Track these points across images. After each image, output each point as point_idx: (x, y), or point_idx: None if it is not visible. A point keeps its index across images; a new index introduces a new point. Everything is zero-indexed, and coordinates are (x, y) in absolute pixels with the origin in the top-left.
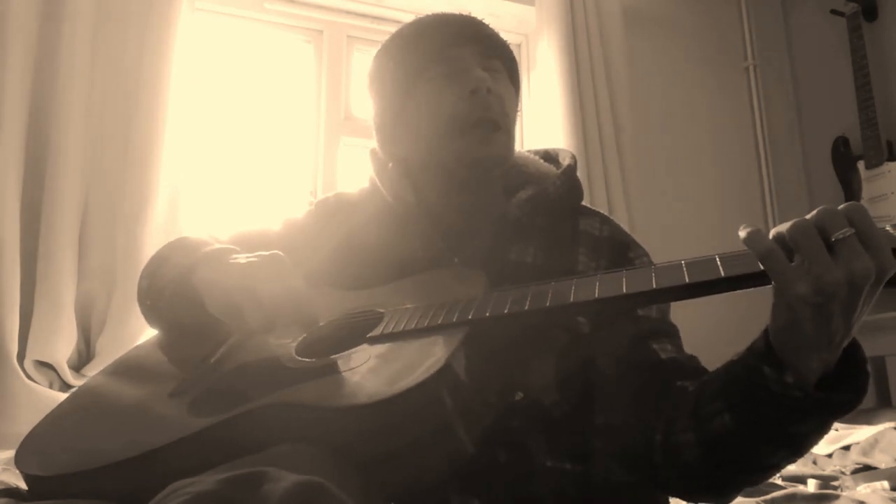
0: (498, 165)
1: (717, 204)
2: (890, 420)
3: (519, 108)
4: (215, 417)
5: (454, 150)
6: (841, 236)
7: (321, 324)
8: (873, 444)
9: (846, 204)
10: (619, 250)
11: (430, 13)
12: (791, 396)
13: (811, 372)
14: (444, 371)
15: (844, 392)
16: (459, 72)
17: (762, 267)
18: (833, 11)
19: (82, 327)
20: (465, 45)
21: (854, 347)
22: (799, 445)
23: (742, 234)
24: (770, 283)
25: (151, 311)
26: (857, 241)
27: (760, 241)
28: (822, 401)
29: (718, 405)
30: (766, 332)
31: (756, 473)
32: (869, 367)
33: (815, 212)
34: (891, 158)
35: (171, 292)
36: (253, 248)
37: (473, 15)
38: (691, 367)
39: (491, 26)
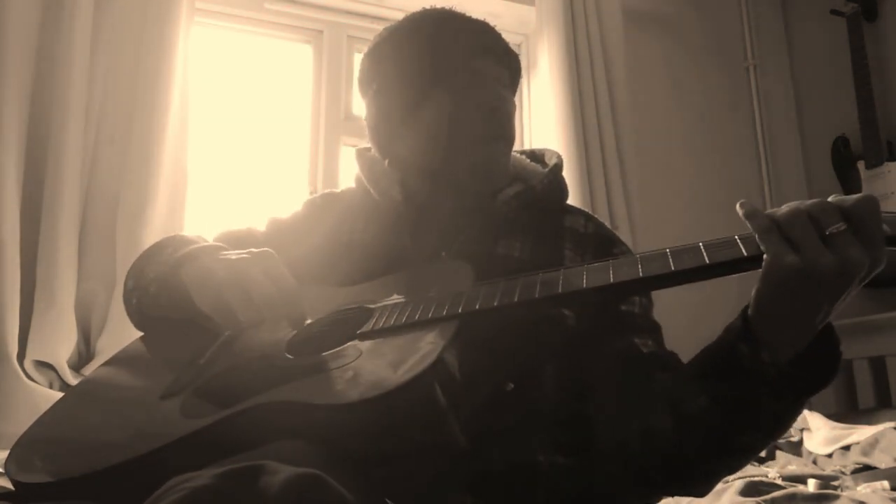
0: (504, 177)
1: (717, 204)
2: (890, 420)
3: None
4: (208, 419)
5: (468, 162)
6: (834, 230)
7: (311, 321)
8: (873, 444)
9: (853, 197)
10: (604, 246)
11: (439, 8)
12: (765, 373)
13: (786, 350)
14: (436, 365)
15: (816, 369)
16: (480, 85)
17: (758, 241)
18: (833, 11)
19: (82, 327)
20: (485, 56)
21: (828, 328)
22: (773, 425)
23: (741, 210)
24: (754, 269)
25: (137, 310)
26: (850, 235)
27: (759, 218)
28: (794, 377)
29: (695, 387)
30: (743, 311)
31: (732, 456)
32: (842, 348)
33: (810, 202)
34: (891, 158)
35: (156, 288)
36: (240, 248)
37: (482, 19)
38: (671, 362)
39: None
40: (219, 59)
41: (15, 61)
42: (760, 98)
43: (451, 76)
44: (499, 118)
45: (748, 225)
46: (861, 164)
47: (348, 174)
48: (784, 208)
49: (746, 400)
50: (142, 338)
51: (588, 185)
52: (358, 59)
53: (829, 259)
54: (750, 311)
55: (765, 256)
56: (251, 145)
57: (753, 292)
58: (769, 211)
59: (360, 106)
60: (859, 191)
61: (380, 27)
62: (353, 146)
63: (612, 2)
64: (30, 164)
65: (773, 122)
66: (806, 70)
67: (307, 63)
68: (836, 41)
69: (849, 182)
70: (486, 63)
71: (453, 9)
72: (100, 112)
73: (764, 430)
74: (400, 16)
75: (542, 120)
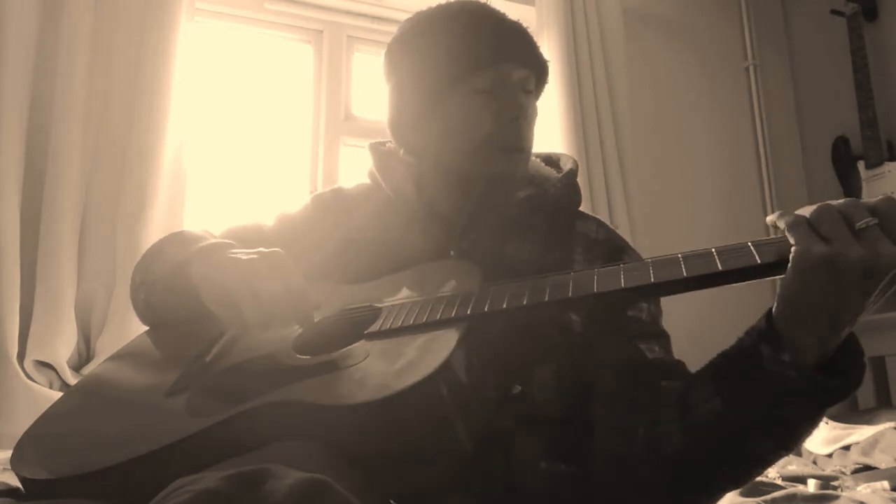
0: (517, 182)
1: (717, 204)
2: (890, 420)
3: None
4: (214, 417)
5: (481, 166)
6: (864, 225)
7: (318, 318)
8: (873, 444)
9: (877, 198)
10: (615, 253)
11: (473, 2)
12: (786, 375)
13: (809, 352)
14: (443, 368)
15: (839, 377)
16: (503, 91)
17: (787, 235)
18: (833, 11)
19: (82, 327)
20: (511, 59)
21: (852, 339)
22: (788, 435)
23: (770, 218)
24: (767, 276)
25: (144, 306)
26: (880, 231)
27: (788, 215)
28: (816, 382)
29: (708, 391)
30: (767, 312)
31: (740, 467)
32: (865, 359)
33: (838, 201)
34: (891, 158)
35: (164, 285)
36: (247, 244)
37: (516, 20)
38: (678, 370)
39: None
40: (219, 58)
41: (15, 61)
42: (760, 98)
43: (475, 75)
44: (516, 129)
45: (778, 225)
46: (861, 164)
47: (348, 174)
48: (812, 207)
49: (763, 404)
50: (147, 332)
51: (588, 184)
52: (358, 58)
53: (859, 251)
54: (775, 310)
55: (793, 248)
56: (251, 145)
57: (779, 289)
58: (798, 211)
59: (360, 106)
60: (859, 190)
61: (380, 27)
62: (354, 146)
63: (612, 2)
64: (30, 164)
65: (773, 122)
66: (806, 70)
67: (307, 63)
68: (836, 41)
69: (849, 182)
70: (511, 68)
71: (488, 3)
72: (100, 112)
73: (777, 438)
74: (400, 16)
75: (543, 120)
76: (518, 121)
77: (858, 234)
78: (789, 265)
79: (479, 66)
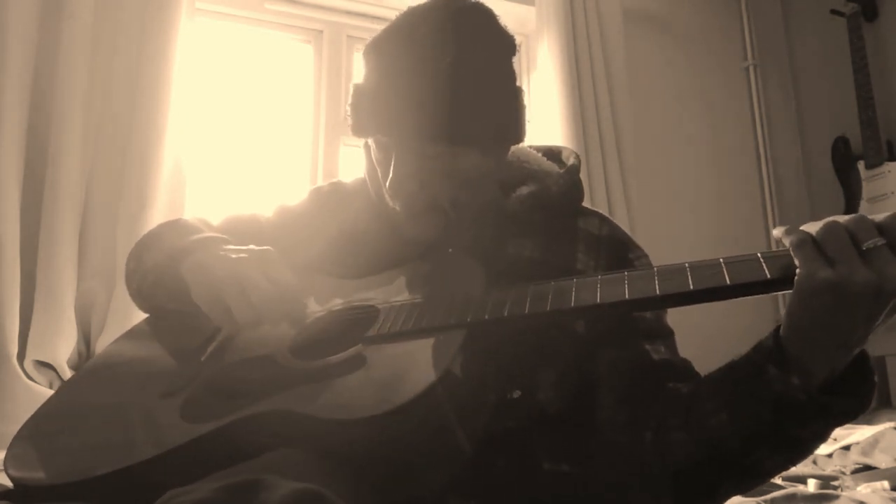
0: (431, 242)
1: (717, 204)
2: (890, 420)
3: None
4: (210, 424)
5: (394, 217)
6: (872, 245)
7: (316, 317)
8: (873, 444)
9: (886, 214)
10: (619, 250)
11: (420, 30)
12: (794, 398)
13: (817, 374)
14: (444, 378)
15: (848, 398)
16: (397, 151)
17: (792, 255)
18: (833, 11)
19: (82, 327)
20: (414, 122)
21: (862, 355)
22: (796, 451)
23: (776, 233)
24: (776, 291)
25: (138, 293)
26: (888, 251)
27: (793, 233)
28: (824, 405)
29: (716, 404)
30: (775, 331)
31: (747, 479)
32: (876, 378)
33: (846, 217)
34: (891, 158)
35: (154, 276)
36: (244, 235)
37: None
38: (684, 370)
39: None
40: (219, 59)
41: (15, 61)
42: (760, 98)
43: (380, 130)
44: (412, 197)
45: (783, 242)
46: (861, 164)
47: (348, 174)
48: (819, 223)
49: (771, 423)
50: (146, 320)
51: (588, 184)
52: (358, 58)
53: (865, 275)
54: (783, 330)
55: (798, 271)
56: (251, 146)
57: (785, 310)
58: (804, 226)
59: None
60: (859, 190)
61: (380, 27)
62: (354, 146)
63: (612, 2)
64: (30, 164)
65: (773, 122)
66: (806, 70)
67: (307, 63)
68: (836, 41)
69: (849, 182)
70: (411, 131)
71: (442, 25)
72: (100, 113)
73: (785, 454)
74: None
75: (542, 120)
76: (404, 186)
77: (865, 254)
78: (794, 289)
79: (382, 124)
